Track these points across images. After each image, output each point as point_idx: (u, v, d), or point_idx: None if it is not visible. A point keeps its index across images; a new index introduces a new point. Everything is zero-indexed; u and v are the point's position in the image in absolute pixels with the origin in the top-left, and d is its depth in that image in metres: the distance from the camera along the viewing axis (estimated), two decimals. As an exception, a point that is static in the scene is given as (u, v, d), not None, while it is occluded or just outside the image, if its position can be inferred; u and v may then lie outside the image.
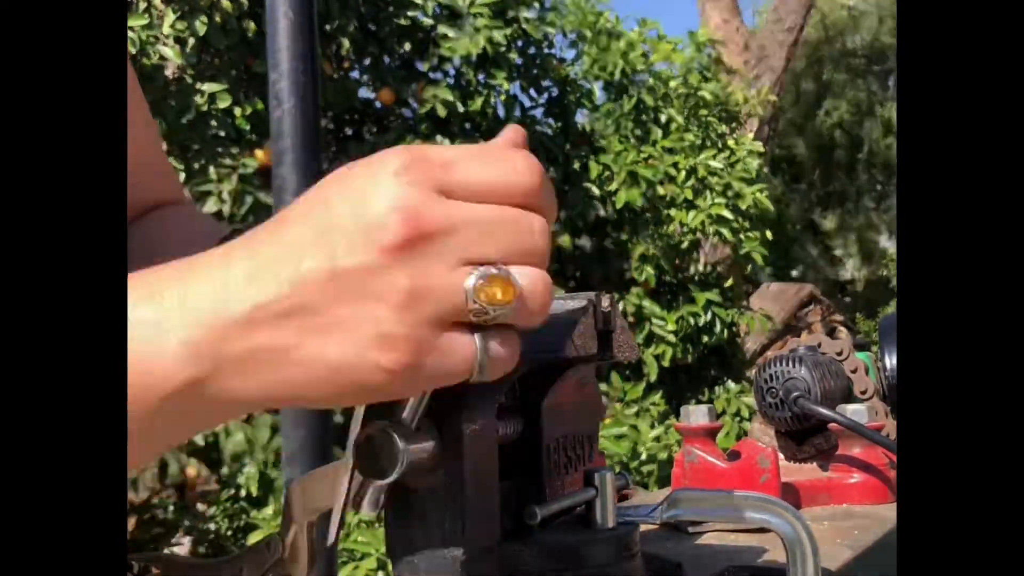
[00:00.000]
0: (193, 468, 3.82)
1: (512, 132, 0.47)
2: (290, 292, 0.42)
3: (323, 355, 0.43)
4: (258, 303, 0.42)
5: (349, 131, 4.16)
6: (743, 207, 4.40)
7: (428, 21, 3.83)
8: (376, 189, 0.42)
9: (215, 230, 0.78)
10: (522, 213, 0.44)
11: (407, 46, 3.83)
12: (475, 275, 0.42)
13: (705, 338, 4.34)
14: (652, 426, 3.64)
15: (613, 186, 4.18)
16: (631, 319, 4.13)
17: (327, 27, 3.67)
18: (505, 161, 0.45)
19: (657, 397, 3.83)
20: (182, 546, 3.36)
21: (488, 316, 0.43)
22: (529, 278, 0.44)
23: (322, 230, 0.42)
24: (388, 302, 0.42)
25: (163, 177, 0.87)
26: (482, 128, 3.90)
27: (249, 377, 0.43)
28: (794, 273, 11.62)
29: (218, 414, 0.48)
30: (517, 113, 4.15)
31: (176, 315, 0.43)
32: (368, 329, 0.42)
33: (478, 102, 3.79)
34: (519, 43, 4.14)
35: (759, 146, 4.84)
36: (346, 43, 3.69)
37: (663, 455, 3.50)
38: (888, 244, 14.47)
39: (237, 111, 3.43)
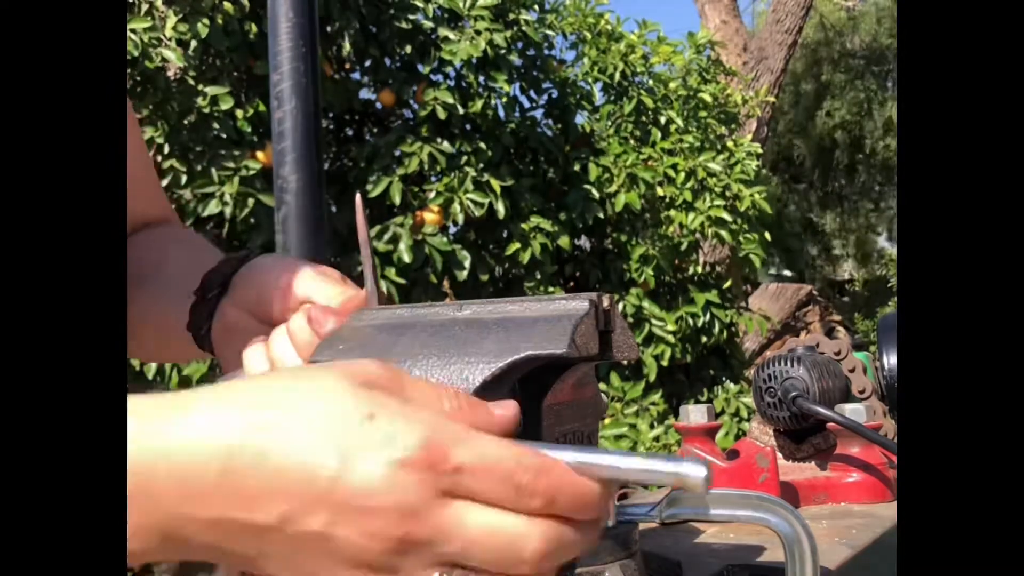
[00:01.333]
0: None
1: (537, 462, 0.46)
2: (272, 525, 0.44)
3: (271, 572, 0.45)
4: (228, 519, 0.44)
5: (350, 132, 4.16)
6: (742, 209, 4.40)
7: (429, 24, 3.84)
8: (380, 479, 0.43)
9: (211, 253, 0.80)
10: (515, 537, 0.45)
11: (408, 48, 3.83)
12: None
13: (704, 338, 4.34)
14: (651, 426, 3.64)
15: (612, 188, 4.19)
16: (631, 319, 4.13)
17: (328, 29, 3.67)
18: (514, 476, 0.45)
19: (656, 397, 3.83)
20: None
21: None
22: None
23: (311, 482, 0.43)
24: (355, 570, 0.44)
25: (153, 194, 0.89)
26: (482, 129, 3.90)
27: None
28: (792, 273, 11.61)
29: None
30: (517, 114, 4.16)
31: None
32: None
33: (478, 104, 3.79)
34: (519, 45, 4.14)
35: (757, 147, 4.84)
36: (347, 45, 3.70)
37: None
38: (887, 244, 14.45)
39: (239, 113, 3.43)
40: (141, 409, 0.46)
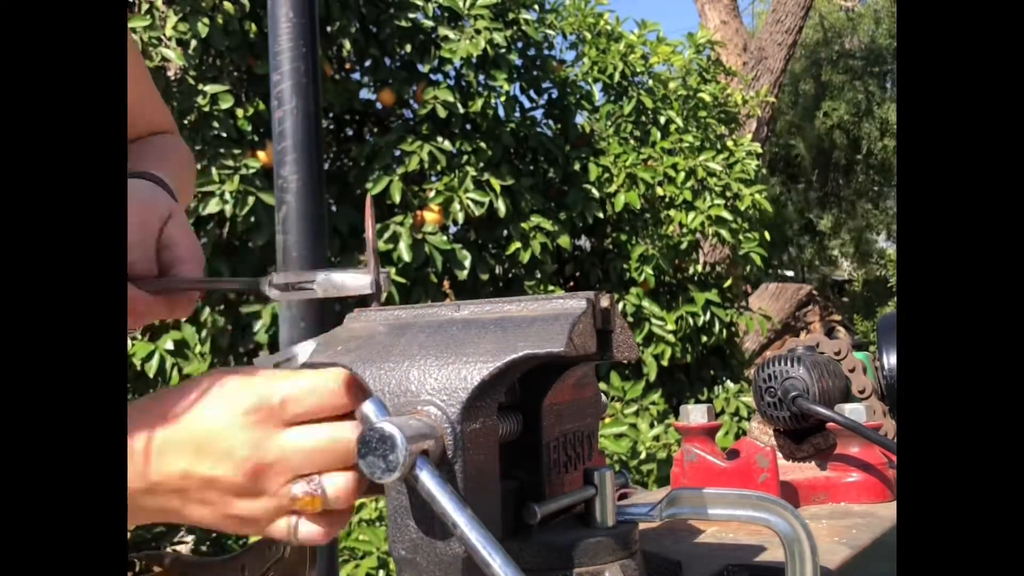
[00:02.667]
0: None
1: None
2: (177, 480, 0.62)
3: (199, 518, 0.63)
4: (155, 482, 0.62)
5: (350, 131, 4.17)
6: (742, 208, 4.41)
7: (429, 23, 3.84)
8: (232, 427, 0.61)
9: (191, 159, 1.08)
10: (334, 431, 0.61)
11: (408, 48, 3.83)
12: (296, 490, 0.60)
13: (704, 338, 4.34)
14: (651, 425, 3.64)
15: (612, 188, 4.19)
16: (631, 319, 4.13)
17: (328, 28, 3.67)
18: (320, 387, 0.61)
19: (656, 396, 3.83)
20: (184, 545, 3.36)
21: (305, 513, 0.62)
22: (336, 486, 0.61)
23: (198, 444, 0.61)
24: (241, 498, 0.61)
25: (158, 109, 1.08)
26: (482, 129, 3.90)
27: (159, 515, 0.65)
28: (792, 273, 11.61)
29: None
30: (517, 114, 4.16)
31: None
32: (226, 510, 0.62)
33: (478, 103, 3.79)
34: (519, 44, 4.14)
35: (757, 147, 4.85)
36: (347, 44, 3.70)
37: (662, 454, 3.51)
38: (886, 244, 14.46)
39: (239, 112, 3.44)
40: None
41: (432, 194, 3.66)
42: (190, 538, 3.39)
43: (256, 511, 0.61)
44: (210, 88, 3.34)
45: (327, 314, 1.84)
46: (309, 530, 0.62)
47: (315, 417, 0.61)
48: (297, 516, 0.61)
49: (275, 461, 0.60)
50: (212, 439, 0.61)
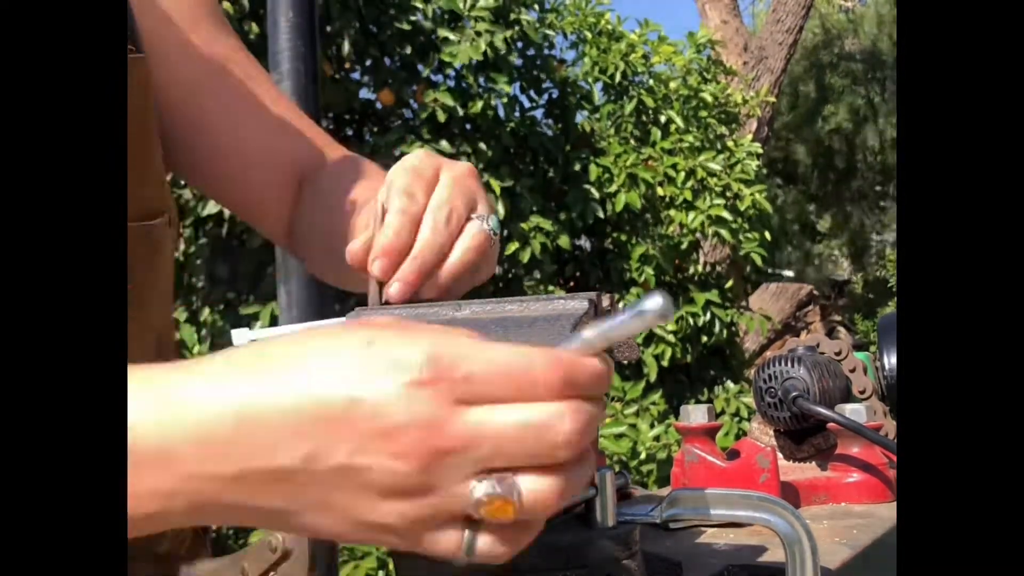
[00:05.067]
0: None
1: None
2: (290, 470, 0.43)
3: (314, 524, 0.45)
4: (250, 470, 0.44)
5: (350, 131, 4.17)
6: (742, 208, 4.41)
7: (428, 24, 3.83)
8: (393, 398, 0.43)
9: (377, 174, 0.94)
10: (546, 423, 0.44)
11: (408, 49, 3.82)
12: (481, 489, 0.44)
13: (704, 338, 4.34)
14: (652, 426, 3.64)
15: (613, 188, 4.19)
16: (631, 320, 4.12)
17: (328, 28, 3.67)
18: (525, 375, 0.44)
19: (657, 397, 3.83)
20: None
21: (490, 522, 0.45)
22: (535, 491, 0.44)
23: (333, 418, 0.43)
24: (393, 498, 0.44)
25: (319, 138, 0.96)
26: (482, 129, 3.90)
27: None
28: (792, 273, 11.61)
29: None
30: (517, 114, 4.16)
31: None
32: (365, 514, 0.44)
33: (478, 105, 3.79)
34: (519, 45, 4.14)
35: (758, 147, 4.85)
36: (347, 45, 3.70)
37: (663, 455, 3.50)
38: (886, 245, 14.46)
39: (238, 112, 3.43)
40: (145, 377, 0.46)
41: (432, 194, 3.66)
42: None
43: (414, 516, 0.44)
44: (210, 88, 3.33)
45: (327, 314, 1.84)
46: (489, 546, 0.45)
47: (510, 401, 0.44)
48: (475, 526, 0.45)
49: (456, 448, 0.43)
50: (356, 412, 0.43)
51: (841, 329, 6.79)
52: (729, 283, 4.65)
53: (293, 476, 0.43)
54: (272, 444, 0.43)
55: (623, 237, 4.32)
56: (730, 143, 4.70)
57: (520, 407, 0.44)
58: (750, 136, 5.63)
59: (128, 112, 0.75)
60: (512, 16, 4.02)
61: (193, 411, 0.44)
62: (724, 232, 4.32)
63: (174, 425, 0.44)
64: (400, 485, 0.43)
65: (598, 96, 4.54)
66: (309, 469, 0.43)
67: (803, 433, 1.05)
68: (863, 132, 12.75)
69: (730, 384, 4.40)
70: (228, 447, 0.43)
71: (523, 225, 3.85)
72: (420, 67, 3.83)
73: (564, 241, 3.96)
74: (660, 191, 4.31)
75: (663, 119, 4.47)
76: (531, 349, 0.45)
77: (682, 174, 4.33)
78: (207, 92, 0.88)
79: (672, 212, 4.36)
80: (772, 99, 6.53)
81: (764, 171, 5.33)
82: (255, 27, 3.48)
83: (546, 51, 4.29)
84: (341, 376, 0.43)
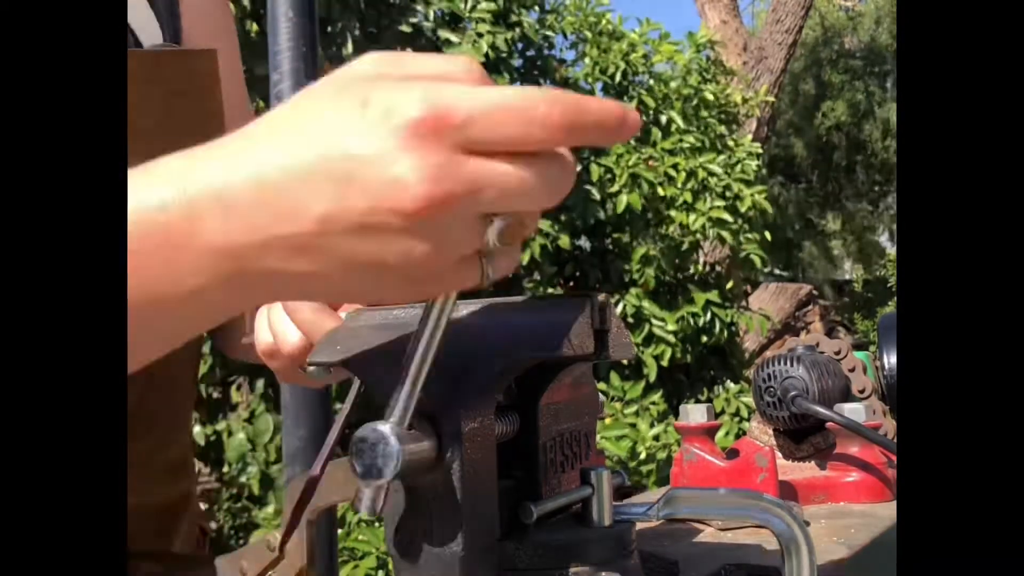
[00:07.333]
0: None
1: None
2: (315, 230, 0.44)
3: (343, 284, 0.46)
4: (273, 236, 0.44)
5: (349, 132, 4.16)
6: (742, 209, 4.41)
7: (430, 26, 3.84)
8: (394, 150, 0.42)
9: None
10: (546, 168, 0.44)
11: (409, 50, 3.83)
12: (495, 229, 0.45)
13: (704, 338, 4.34)
14: (651, 425, 3.64)
15: (614, 188, 4.19)
16: (631, 320, 4.13)
17: (329, 29, 3.67)
18: (527, 112, 0.43)
19: (656, 397, 3.83)
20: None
21: (497, 249, 0.46)
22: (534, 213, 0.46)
23: (337, 179, 0.43)
24: (408, 257, 0.44)
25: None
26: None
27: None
28: (790, 273, 11.61)
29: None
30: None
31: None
32: (392, 271, 0.45)
33: (478, 104, 3.79)
34: (519, 46, 4.14)
35: (758, 147, 4.85)
36: (348, 46, 3.70)
37: (662, 454, 3.51)
38: (887, 244, 14.46)
39: (238, 112, 3.43)
40: (164, 164, 0.47)
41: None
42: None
43: (438, 261, 0.44)
44: (210, 88, 3.34)
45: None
46: (503, 267, 0.47)
47: (503, 150, 0.43)
48: (488, 255, 0.46)
49: (460, 195, 0.42)
50: (363, 171, 0.42)
51: (841, 328, 6.79)
52: (729, 283, 4.65)
53: (315, 239, 0.44)
54: (290, 209, 0.43)
55: (624, 238, 4.32)
56: (730, 143, 4.70)
57: (518, 165, 0.43)
58: (750, 136, 5.63)
59: (207, 107, 0.78)
60: (513, 18, 4.02)
61: (215, 186, 0.45)
62: (724, 233, 4.32)
63: (197, 200, 0.45)
64: (415, 235, 0.43)
65: (599, 96, 4.54)
66: (328, 231, 0.43)
67: (802, 432, 1.05)
68: (863, 125, 12.76)
69: (730, 384, 4.40)
70: (251, 216, 0.44)
71: (523, 225, 3.85)
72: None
73: (564, 241, 3.96)
74: (661, 191, 4.31)
75: (664, 119, 4.47)
76: (530, 88, 0.44)
77: (683, 174, 4.33)
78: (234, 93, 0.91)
79: (672, 212, 4.36)
80: (771, 99, 6.54)
81: (764, 171, 5.33)
82: (255, 26, 3.47)
83: (546, 52, 4.29)
84: (339, 140, 0.43)
